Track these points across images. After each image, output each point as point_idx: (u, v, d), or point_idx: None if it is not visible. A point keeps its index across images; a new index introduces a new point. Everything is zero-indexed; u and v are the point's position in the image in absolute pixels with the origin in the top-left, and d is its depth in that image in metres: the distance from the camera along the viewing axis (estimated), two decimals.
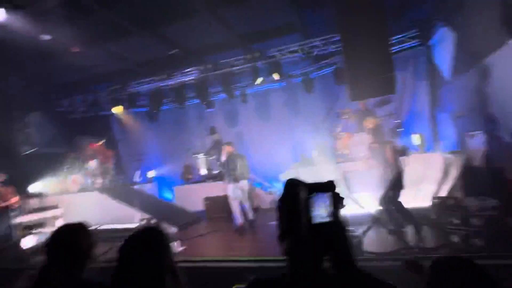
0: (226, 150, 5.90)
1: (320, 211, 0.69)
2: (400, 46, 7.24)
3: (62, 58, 6.97)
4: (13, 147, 7.84)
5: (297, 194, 0.71)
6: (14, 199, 6.16)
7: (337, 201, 0.69)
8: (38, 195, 7.65)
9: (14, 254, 4.94)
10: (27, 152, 8.06)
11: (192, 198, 8.11)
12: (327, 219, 0.69)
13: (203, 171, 9.21)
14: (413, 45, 7.33)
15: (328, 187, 0.70)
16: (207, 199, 7.47)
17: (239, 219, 5.63)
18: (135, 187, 9.05)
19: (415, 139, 6.31)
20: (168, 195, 9.85)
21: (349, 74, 4.98)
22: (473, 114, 5.48)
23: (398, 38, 7.16)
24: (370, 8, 4.68)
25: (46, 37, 5.72)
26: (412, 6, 6.38)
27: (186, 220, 6.83)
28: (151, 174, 9.90)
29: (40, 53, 6.50)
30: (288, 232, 0.74)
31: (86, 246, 1.56)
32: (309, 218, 0.68)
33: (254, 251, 4.34)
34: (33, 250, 5.21)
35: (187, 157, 9.45)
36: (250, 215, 5.76)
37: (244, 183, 5.75)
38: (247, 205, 5.79)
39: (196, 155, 9.38)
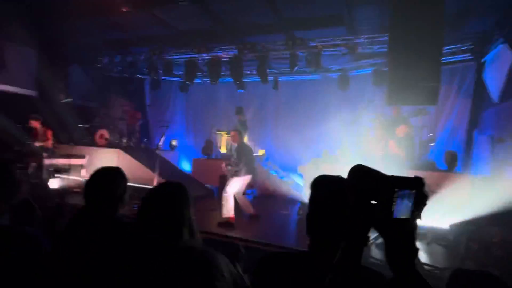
0: (233, 137, 5.44)
1: (402, 207, 0.66)
2: (450, 57, 6.84)
3: (109, 16, 7.16)
4: (52, 94, 8.24)
5: (376, 182, 0.68)
6: (50, 141, 6.57)
7: (422, 200, 0.66)
8: (68, 143, 8.07)
9: (41, 192, 5.30)
10: (63, 101, 8.45)
11: (208, 173, 8.27)
12: (407, 217, 0.66)
13: (223, 149, 9.33)
14: (465, 58, 6.91)
15: (415, 183, 0.66)
16: (221, 177, 7.59)
17: (231, 213, 4.93)
18: (157, 152, 9.31)
19: (447, 156, 6.04)
20: (186, 166, 10.09)
21: (390, 77, 4.79)
22: None
23: (450, 48, 6.75)
24: (428, 12, 4.43)
25: None
26: (473, 17, 5.95)
27: (200, 193, 7.00)
28: (174, 142, 10.14)
29: (89, 8, 6.70)
30: (358, 219, 0.71)
31: (121, 190, 1.65)
32: (388, 211, 0.65)
33: (261, 236, 4.40)
34: (59, 191, 5.56)
35: (210, 132, 9.58)
36: (252, 209, 5.39)
37: (249, 177, 5.27)
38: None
39: (219, 132, 9.49)
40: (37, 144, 6.51)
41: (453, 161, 5.90)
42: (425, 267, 3.43)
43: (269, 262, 1.02)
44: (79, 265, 1.36)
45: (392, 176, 0.67)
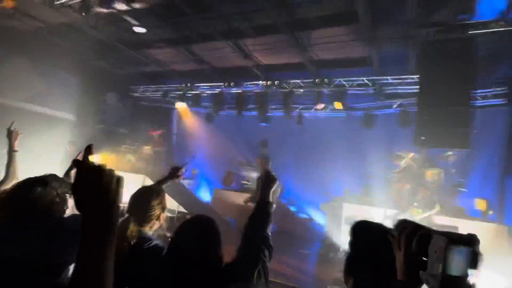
0: (261, 163, 5.36)
1: (456, 265, 0.65)
2: (482, 101, 6.72)
3: (147, 50, 7.75)
4: (88, 119, 8.77)
5: (427, 237, 0.68)
6: None
7: (476, 259, 0.65)
8: None
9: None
10: (97, 126, 8.94)
11: (227, 204, 8.23)
12: (462, 275, 0.65)
13: (244, 182, 9.34)
14: (497, 103, 6.75)
15: (470, 241, 0.66)
16: (241, 209, 7.52)
17: None
18: (181, 181, 9.46)
19: (479, 204, 5.72)
20: (205, 195, 10.11)
21: (419, 119, 4.75)
22: None
23: (482, 92, 6.65)
24: (458, 56, 4.46)
25: (142, 30, 6.40)
26: (504, 62, 5.91)
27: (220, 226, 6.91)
28: (195, 171, 10.29)
29: (130, 43, 7.31)
30: (410, 276, 0.71)
31: (161, 209, 1.71)
32: (443, 268, 0.64)
33: (278, 274, 4.23)
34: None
35: (231, 163, 9.67)
36: None
37: None
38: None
39: (241, 164, 9.56)
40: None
41: (487, 209, 5.57)
42: None
43: None
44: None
45: (446, 232, 0.66)
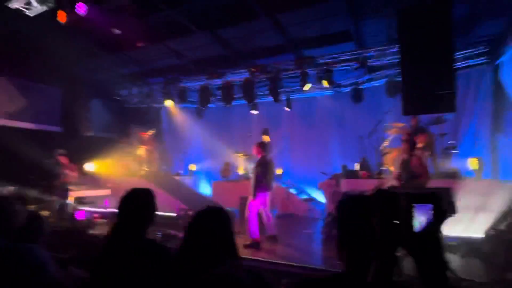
0: (255, 149, 5.23)
1: (421, 221, 0.68)
2: (464, 62, 6.76)
3: (126, 51, 7.58)
4: (76, 129, 8.64)
5: (396, 201, 0.72)
6: (75, 174, 6.85)
7: (440, 213, 0.68)
8: (92, 174, 8.34)
9: (68, 225, 5.45)
10: (87, 135, 8.83)
11: (228, 195, 8.29)
12: (428, 231, 0.68)
13: (241, 171, 9.39)
14: (479, 62, 6.80)
15: (431, 198, 0.69)
16: (242, 198, 7.58)
17: (258, 233, 4.85)
18: (177, 178, 9.48)
19: (472, 163, 5.84)
20: (206, 190, 10.16)
21: (404, 87, 4.77)
22: None
23: (463, 53, 6.68)
24: (435, 21, 4.45)
25: (117, 31, 6.23)
26: (483, 21, 5.92)
27: None
28: (192, 167, 10.30)
29: (108, 45, 7.14)
30: (385, 238, 0.74)
31: (151, 209, 1.71)
32: (409, 227, 0.68)
33: (285, 256, 4.32)
34: (85, 223, 5.70)
35: (227, 155, 9.68)
36: (274, 229, 5.17)
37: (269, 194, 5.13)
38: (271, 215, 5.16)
39: (236, 154, 9.59)
40: (63, 178, 6.77)
41: (479, 167, 5.70)
42: (464, 283, 3.25)
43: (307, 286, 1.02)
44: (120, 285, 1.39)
45: (409, 193, 0.70)
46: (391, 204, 0.73)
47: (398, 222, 0.72)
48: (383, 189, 0.79)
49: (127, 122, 10.67)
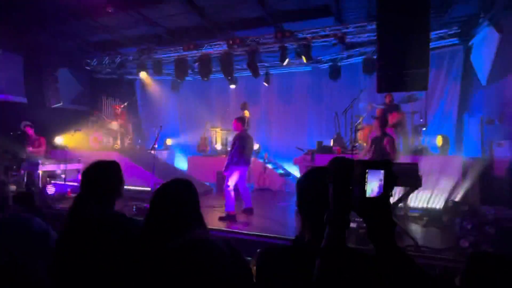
0: (235, 125, 5.18)
1: (373, 187, 0.72)
2: (438, 42, 6.92)
3: (95, 17, 7.07)
4: (42, 100, 8.14)
5: (351, 167, 0.75)
6: (43, 147, 6.54)
7: (391, 180, 0.72)
8: (63, 148, 8.00)
9: (38, 199, 5.28)
10: (54, 106, 8.35)
11: (204, 170, 8.31)
12: (379, 195, 0.73)
13: (219, 146, 9.37)
14: (452, 42, 6.99)
15: (383, 165, 0.73)
16: (219, 173, 7.63)
17: (234, 207, 4.92)
18: (152, 152, 9.29)
19: (438, 140, 6.16)
20: (182, 164, 10.10)
21: (380, 65, 4.84)
22: (503, 122, 5.28)
23: (437, 33, 6.82)
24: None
25: None
26: (457, 2, 6.01)
27: (199, 190, 7.01)
28: (168, 141, 10.13)
29: (75, 10, 6.62)
30: (337, 203, 0.77)
31: (116, 181, 1.68)
32: (362, 191, 0.72)
33: (261, 228, 4.46)
34: (56, 197, 5.54)
35: (205, 129, 9.59)
36: (250, 202, 5.26)
37: (247, 168, 5.21)
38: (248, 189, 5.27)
39: (213, 129, 9.51)
40: (31, 150, 6.46)
41: (445, 144, 6.02)
42: (422, 249, 3.53)
43: (269, 255, 1.07)
44: (85, 259, 1.39)
45: (362, 160, 0.74)
46: (345, 171, 0.76)
47: (351, 187, 0.75)
48: (339, 157, 0.82)
49: (99, 94, 10.17)
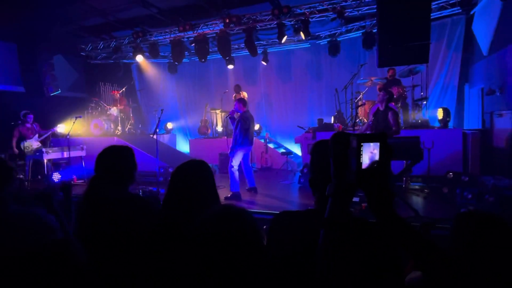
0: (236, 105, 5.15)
1: (368, 159, 0.75)
2: (439, 12, 6.75)
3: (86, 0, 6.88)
4: (40, 89, 8.07)
5: (348, 142, 0.78)
6: (47, 136, 6.58)
7: (387, 151, 0.75)
8: (64, 135, 8.02)
9: (44, 185, 5.37)
10: (52, 94, 8.29)
11: (207, 152, 8.37)
12: (376, 166, 0.76)
13: (219, 128, 9.38)
14: (453, 12, 6.82)
15: (379, 138, 0.76)
16: (221, 154, 7.69)
17: (238, 187, 4.99)
18: (154, 136, 9.31)
19: (440, 113, 6.16)
20: (184, 147, 10.16)
21: (380, 39, 4.77)
22: (504, 92, 5.25)
23: (438, 3, 6.64)
24: None
25: None
26: None
27: None
28: (169, 125, 10.14)
29: None
30: (337, 176, 0.81)
31: (131, 165, 1.73)
32: (359, 164, 0.75)
33: (265, 205, 4.57)
34: (60, 184, 5.61)
35: (205, 111, 9.56)
36: (254, 181, 5.30)
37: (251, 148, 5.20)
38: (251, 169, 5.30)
39: (213, 110, 9.48)
40: (34, 139, 6.50)
41: (446, 117, 6.03)
42: (424, 219, 3.63)
43: (281, 219, 1.12)
44: (107, 237, 1.44)
45: (359, 134, 0.77)
46: (343, 145, 0.80)
47: (349, 159, 0.79)
48: (338, 132, 0.85)
49: (96, 80, 10.05)
